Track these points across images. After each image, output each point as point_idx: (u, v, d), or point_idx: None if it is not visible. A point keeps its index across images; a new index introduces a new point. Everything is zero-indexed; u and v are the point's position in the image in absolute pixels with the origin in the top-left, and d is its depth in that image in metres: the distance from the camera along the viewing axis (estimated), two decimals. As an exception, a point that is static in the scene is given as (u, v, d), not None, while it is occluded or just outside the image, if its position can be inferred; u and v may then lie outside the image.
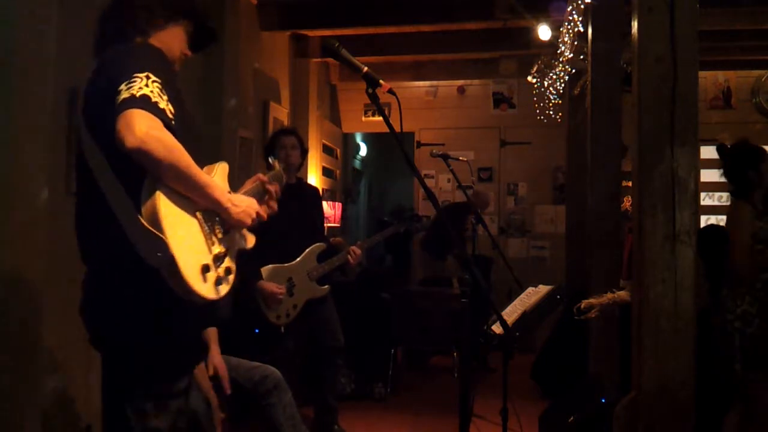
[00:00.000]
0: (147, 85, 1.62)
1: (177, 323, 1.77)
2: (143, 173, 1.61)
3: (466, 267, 2.35)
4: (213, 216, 1.76)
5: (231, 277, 1.77)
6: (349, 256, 3.84)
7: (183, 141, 1.65)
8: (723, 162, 3.58)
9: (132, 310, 1.72)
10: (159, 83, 1.65)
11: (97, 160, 1.69)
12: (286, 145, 3.86)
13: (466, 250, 5.99)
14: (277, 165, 2.40)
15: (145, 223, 1.58)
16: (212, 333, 2.97)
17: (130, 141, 1.53)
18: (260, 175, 2.12)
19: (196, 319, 1.85)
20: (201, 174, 1.69)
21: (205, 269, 1.67)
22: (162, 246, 1.57)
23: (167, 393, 1.78)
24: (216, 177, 1.86)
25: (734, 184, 3.47)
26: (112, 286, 1.74)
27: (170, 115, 1.64)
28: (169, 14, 1.91)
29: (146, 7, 1.87)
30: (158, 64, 1.73)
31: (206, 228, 1.73)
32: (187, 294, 1.63)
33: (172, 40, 1.92)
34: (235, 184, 2.08)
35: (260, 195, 2.04)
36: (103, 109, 1.64)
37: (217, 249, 1.74)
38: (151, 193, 1.60)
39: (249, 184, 2.08)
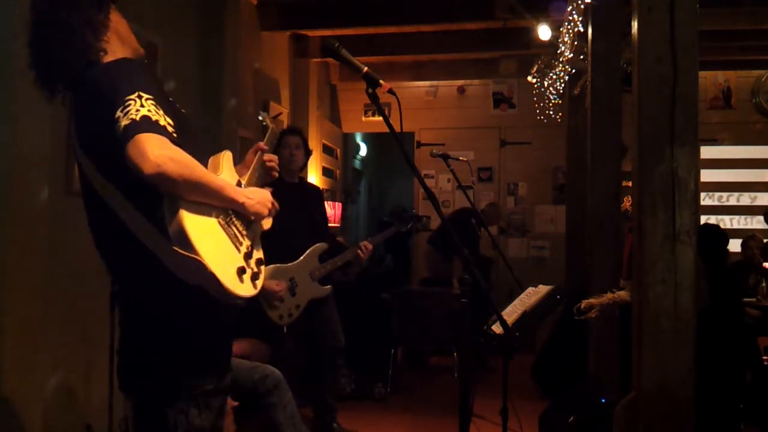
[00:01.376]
0: (143, 105, 1.59)
1: (215, 322, 1.79)
2: (156, 194, 1.60)
3: (467, 267, 2.34)
4: (230, 213, 1.76)
5: (263, 267, 1.80)
6: (359, 252, 3.82)
7: (187, 147, 1.64)
8: None
9: (171, 317, 1.73)
10: (152, 99, 1.62)
11: (107, 189, 1.68)
12: (290, 145, 3.85)
13: (474, 253, 6.01)
14: (268, 120, 2.35)
15: (179, 250, 1.58)
16: None
17: (147, 168, 1.52)
18: (260, 144, 2.11)
19: (231, 316, 1.87)
20: (214, 179, 1.70)
21: (241, 271, 1.68)
22: (200, 266, 1.57)
23: (210, 391, 1.78)
24: (224, 169, 1.86)
25: None
26: (147, 300, 1.74)
27: (171, 129, 1.62)
28: (99, 10, 1.78)
29: (85, 20, 1.74)
30: (138, 76, 1.69)
31: (229, 228, 1.74)
32: (229, 299, 1.65)
33: (117, 30, 1.83)
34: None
35: (262, 169, 2.06)
36: (103, 140, 1.61)
37: (245, 246, 1.76)
38: (174, 213, 1.59)
39: (251, 156, 2.08)
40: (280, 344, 3.69)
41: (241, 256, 1.72)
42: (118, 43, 1.83)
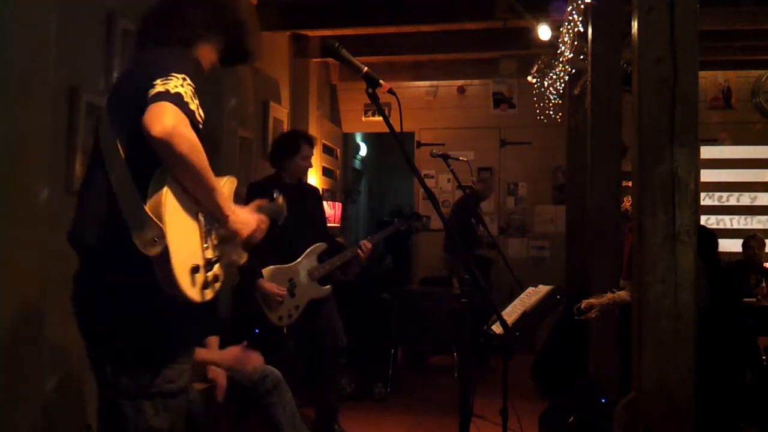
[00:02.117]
0: (182, 85, 1.67)
1: (174, 322, 1.78)
2: (154, 166, 1.65)
3: (467, 267, 2.35)
4: (213, 223, 1.80)
5: (217, 285, 1.80)
6: (359, 251, 3.82)
7: (204, 147, 1.69)
8: None
9: (127, 308, 1.73)
10: (192, 87, 1.71)
11: (111, 146, 1.73)
12: (308, 155, 3.86)
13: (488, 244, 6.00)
14: (280, 200, 2.40)
15: (148, 212, 1.61)
16: (213, 341, 2.99)
17: (157, 130, 1.57)
18: (259, 202, 2.14)
19: (195, 319, 1.86)
20: (212, 178, 1.73)
21: (195, 270, 1.70)
22: (159, 234, 1.60)
23: (168, 392, 1.78)
24: (223, 189, 1.88)
25: None
26: (107, 284, 1.75)
27: (198, 118, 1.70)
28: (210, 31, 1.97)
29: (194, 21, 1.93)
30: (194, 73, 1.79)
31: (204, 232, 1.76)
32: (171, 288, 1.65)
33: (207, 52, 1.99)
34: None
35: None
36: (133, 98, 1.69)
37: (210, 254, 1.78)
38: (160, 187, 1.65)
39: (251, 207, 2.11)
40: (281, 345, 3.69)
41: (202, 259, 1.74)
42: (198, 56, 1.95)
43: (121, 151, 1.71)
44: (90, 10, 3.31)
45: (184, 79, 1.69)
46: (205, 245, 1.76)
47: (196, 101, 1.71)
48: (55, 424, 3.07)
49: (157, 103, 1.61)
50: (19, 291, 2.76)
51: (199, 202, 1.74)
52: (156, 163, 1.65)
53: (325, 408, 3.94)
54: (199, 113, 1.71)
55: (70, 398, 3.25)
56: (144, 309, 1.73)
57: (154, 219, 1.61)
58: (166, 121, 1.58)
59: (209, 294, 1.76)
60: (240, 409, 3.08)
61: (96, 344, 1.83)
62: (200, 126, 1.71)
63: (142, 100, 1.63)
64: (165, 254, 1.61)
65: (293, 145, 3.82)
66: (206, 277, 1.74)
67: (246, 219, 1.88)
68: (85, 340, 1.84)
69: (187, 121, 1.63)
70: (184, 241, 1.68)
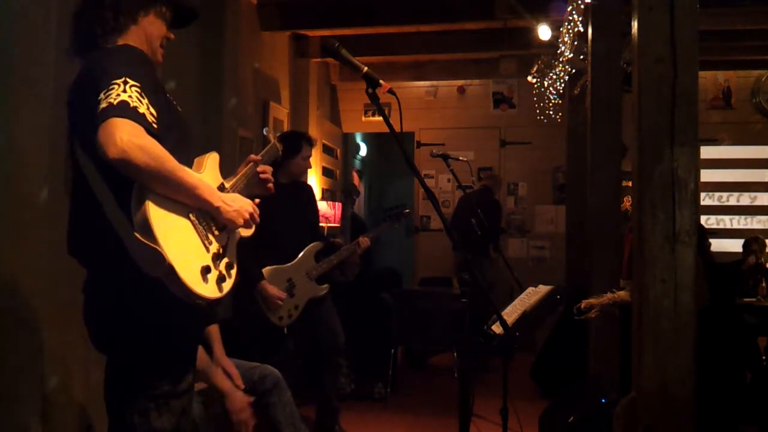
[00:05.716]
0: (125, 91, 1.60)
1: (177, 323, 1.77)
2: (131, 183, 1.61)
3: (466, 267, 2.35)
4: (207, 215, 1.76)
5: (233, 272, 1.79)
6: (356, 247, 3.83)
7: (169, 141, 1.65)
8: None
9: (133, 313, 1.72)
10: (138, 87, 1.63)
11: (89, 168, 1.69)
12: (308, 156, 3.87)
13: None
14: (271, 137, 2.33)
15: (139, 237, 1.58)
16: (214, 332, 2.98)
17: (112, 151, 1.53)
18: (252, 156, 2.11)
19: (196, 318, 1.86)
20: (188, 176, 1.68)
21: (206, 270, 1.67)
22: (158, 257, 1.57)
23: (170, 393, 1.77)
24: (206, 171, 1.85)
25: None
26: (113, 290, 1.74)
27: (151, 119, 1.62)
28: (138, 5, 1.87)
29: (112, 3, 1.83)
30: (135, 67, 1.71)
31: (201, 228, 1.73)
32: (190, 298, 1.64)
33: (147, 30, 1.89)
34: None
35: (254, 179, 2.04)
36: (86, 119, 1.63)
37: (215, 247, 1.75)
38: (141, 203, 1.60)
39: (242, 168, 2.08)
40: (281, 345, 3.69)
41: (209, 256, 1.71)
42: (138, 39, 1.86)
43: (97, 173, 1.67)
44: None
45: (125, 83, 1.61)
46: (207, 242, 1.72)
47: (145, 100, 1.63)
48: (55, 424, 3.07)
49: (105, 122, 1.55)
50: (19, 291, 2.76)
51: (187, 204, 1.70)
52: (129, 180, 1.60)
53: (326, 408, 3.94)
54: (151, 113, 1.63)
55: (70, 398, 3.25)
56: (146, 312, 1.72)
57: (147, 242, 1.56)
58: (117, 139, 1.52)
59: (228, 285, 1.74)
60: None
61: (105, 350, 1.83)
62: (154, 126, 1.62)
63: (93, 119, 1.58)
64: (171, 271, 1.58)
65: (294, 146, 3.82)
66: (219, 271, 1.72)
67: (240, 205, 1.82)
68: (96, 348, 1.84)
69: (139, 130, 1.57)
70: (185, 248, 1.65)
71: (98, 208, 1.66)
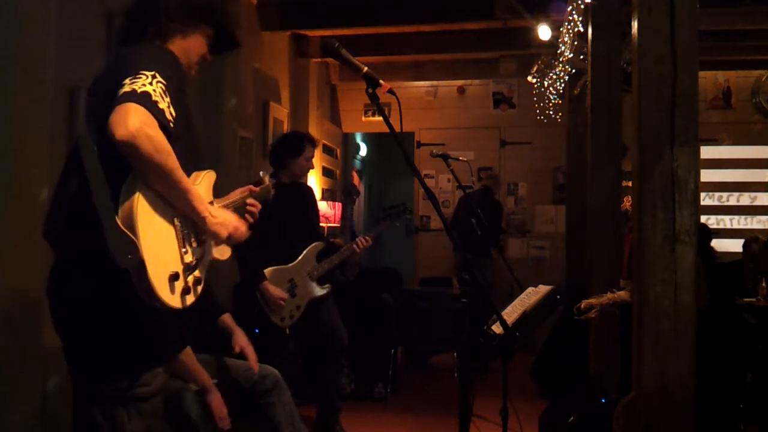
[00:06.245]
0: (150, 84, 1.61)
1: (143, 322, 1.73)
2: (128, 171, 1.61)
3: (466, 267, 2.35)
4: (191, 224, 1.75)
5: (199, 288, 1.76)
6: (355, 246, 3.83)
7: (178, 147, 1.64)
8: None
9: (96, 303, 1.70)
10: (164, 84, 1.64)
11: (89, 150, 1.68)
12: (311, 157, 3.87)
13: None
14: (267, 179, 2.37)
15: (120, 223, 1.57)
16: (229, 320, 3.00)
17: (121, 133, 1.53)
18: (251, 186, 2.13)
19: (165, 321, 1.80)
20: (184, 180, 1.68)
21: (174, 277, 1.66)
22: (133, 248, 1.56)
23: (139, 395, 1.75)
24: (201, 185, 1.85)
25: None
26: (78, 277, 1.72)
27: (169, 117, 1.63)
28: (189, 20, 1.92)
29: (167, 11, 1.88)
30: (168, 68, 1.73)
31: (181, 235, 1.72)
32: (150, 299, 1.61)
33: (190, 44, 1.94)
34: (232, 185, 2.08)
35: (242, 208, 2.05)
36: (104, 101, 1.63)
37: (189, 258, 1.73)
38: (131, 194, 1.59)
39: (237, 195, 2.09)
40: (282, 346, 3.69)
41: (180, 264, 1.70)
42: (179, 49, 1.90)
43: (97, 156, 1.66)
44: (90, 10, 3.31)
45: (153, 77, 1.62)
46: (183, 250, 1.71)
47: (167, 99, 1.63)
48: (56, 424, 3.07)
49: (123, 104, 1.55)
50: (19, 290, 2.76)
51: (175, 206, 1.69)
52: (129, 168, 1.60)
53: (328, 408, 3.94)
54: (170, 112, 1.64)
55: (70, 398, 3.25)
56: (116, 311, 1.69)
57: (126, 231, 1.55)
58: (129, 122, 1.52)
59: (190, 299, 1.71)
60: (238, 409, 3.07)
61: (68, 345, 1.80)
62: (171, 126, 1.63)
63: (111, 101, 1.58)
64: (141, 266, 1.56)
65: (297, 146, 3.82)
66: (186, 282, 1.70)
67: (224, 219, 1.82)
68: (60, 339, 1.81)
69: (153, 122, 1.57)
70: (161, 249, 1.63)
71: (86, 194, 1.64)
